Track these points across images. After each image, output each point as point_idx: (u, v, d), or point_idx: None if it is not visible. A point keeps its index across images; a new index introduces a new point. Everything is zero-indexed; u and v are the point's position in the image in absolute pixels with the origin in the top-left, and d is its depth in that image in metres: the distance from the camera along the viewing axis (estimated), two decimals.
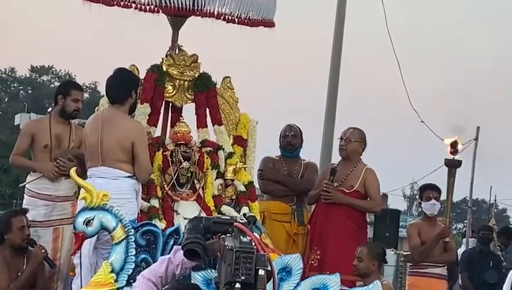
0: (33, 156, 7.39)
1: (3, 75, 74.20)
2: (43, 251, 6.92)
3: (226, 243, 3.53)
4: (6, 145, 43.75)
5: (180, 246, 3.92)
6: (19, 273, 6.86)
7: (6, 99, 73.64)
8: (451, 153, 7.85)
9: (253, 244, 3.46)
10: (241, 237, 3.49)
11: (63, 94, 7.40)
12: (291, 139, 8.59)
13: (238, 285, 3.36)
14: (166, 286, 3.88)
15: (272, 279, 3.46)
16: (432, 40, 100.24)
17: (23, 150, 7.41)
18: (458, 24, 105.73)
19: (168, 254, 4.01)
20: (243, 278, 3.38)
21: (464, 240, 18.07)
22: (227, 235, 3.64)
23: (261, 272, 3.38)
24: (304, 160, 8.74)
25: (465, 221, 27.73)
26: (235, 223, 3.62)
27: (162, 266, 3.88)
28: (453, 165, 7.88)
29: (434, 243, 8.30)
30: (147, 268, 4.03)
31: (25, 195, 7.37)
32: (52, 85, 65.70)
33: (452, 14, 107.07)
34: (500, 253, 12.69)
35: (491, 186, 40.02)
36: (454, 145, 7.84)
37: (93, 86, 61.86)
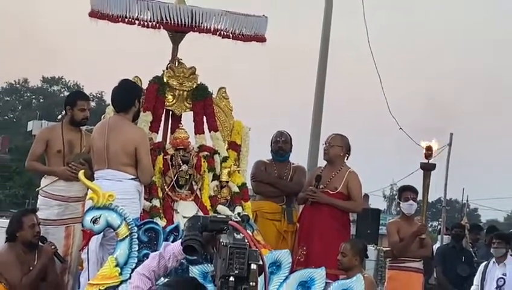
0: (47, 161, 7.41)
1: (17, 85, 74.16)
2: (52, 247, 6.92)
3: (221, 240, 3.53)
4: (20, 149, 43.78)
5: (168, 243, 3.92)
6: (31, 268, 6.85)
7: (19, 108, 73.50)
8: (426, 157, 7.87)
9: (246, 240, 3.46)
10: (235, 234, 3.48)
11: (71, 105, 7.44)
12: (282, 144, 8.60)
13: (232, 278, 3.36)
14: (163, 279, 3.86)
15: (263, 273, 3.45)
16: (410, 53, 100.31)
17: (38, 155, 7.43)
18: (434, 36, 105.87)
19: (159, 250, 4.00)
20: (236, 271, 3.37)
21: (439, 236, 18.14)
22: (223, 232, 3.64)
23: (253, 266, 3.37)
24: (293, 164, 8.75)
25: (440, 219, 27.75)
26: (229, 222, 3.61)
27: (154, 261, 3.87)
28: (428, 168, 7.91)
29: (411, 240, 8.31)
30: (141, 265, 4.01)
31: (39, 196, 7.39)
32: (62, 94, 65.59)
33: (429, 27, 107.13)
34: (471, 249, 12.71)
35: (463, 188, 40.12)
36: (429, 149, 7.87)
37: (99, 96, 61.70)
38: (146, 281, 3.69)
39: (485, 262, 10.74)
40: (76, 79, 71.50)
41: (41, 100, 73.04)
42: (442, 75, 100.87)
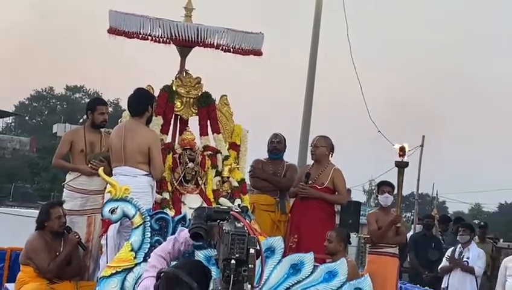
0: (71, 159, 7.42)
1: (44, 93, 74.23)
2: (76, 236, 6.93)
3: (223, 228, 3.54)
4: (46, 149, 43.71)
5: (183, 228, 3.92)
6: (57, 254, 6.85)
7: (46, 112, 73.49)
8: (400, 156, 7.89)
9: (246, 228, 3.47)
10: (236, 223, 3.49)
11: (91, 110, 7.48)
12: (276, 144, 8.63)
13: (233, 261, 3.37)
14: (174, 262, 3.87)
15: (260, 256, 3.46)
16: (389, 64, 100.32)
17: (63, 154, 7.45)
18: (409, 44, 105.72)
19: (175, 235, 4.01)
20: (237, 255, 3.38)
21: (412, 226, 18.15)
22: (225, 221, 3.64)
23: (252, 250, 3.38)
24: (286, 162, 8.77)
25: (413, 211, 27.77)
26: (231, 212, 3.62)
27: (170, 244, 3.88)
28: (401, 166, 7.92)
29: (388, 228, 8.32)
30: (158, 246, 4.02)
31: (64, 189, 7.41)
32: (83, 101, 65.55)
33: (404, 37, 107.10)
34: (440, 237, 12.74)
35: (433, 183, 40.13)
36: (402, 149, 7.89)
37: (116, 102, 61.60)
38: (162, 261, 3.70)
39: (452, 247, 10.79)
40: (96, 87, 71.57)
41: (65, 106, 72.94)
42: (417, 83, 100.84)
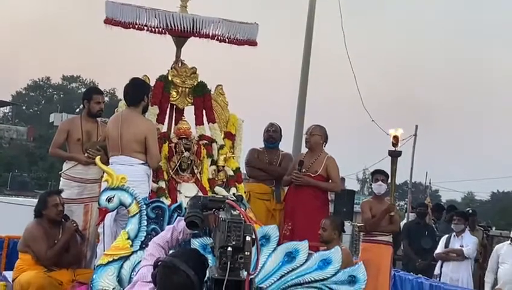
0: (68, 148, 7.41)
1: (41, 82, 73.97)
2: (74, 224, 6.93)
3: (220, 216, 3.54)
4: (43, 138, 43.66)
5: (181, 218, 3.92)
6: (55, 241, 6.85)
7: (43, 102, 73.30)
8: (393, 145, 7.89)
9: (241, 216, 3.48)
10: (232, 211, 3.50)
11: (87, 99, 7.46)
12: (272, 134, 8.64)
13: (229, 248, 3.37)
14: (172, 251, 3.87)
15: (255, 244, 3.47)
16: (381, 54, 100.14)
17: (60, 143, 7.44)
18: (402, 37, 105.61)
19: (172, 224, 4.01)
20: (233, 243, 3.39)
21: (405, 214, 18.20)
22: (220, 210, 3.65)
23: (248, 238, 3.39)
24: (282, 151, 8.79)
25: (406, 199, 27.82)
26: (227, 200, 3.63)
27: (168, 233, 3.88)
28: (395, 155, 7.92)
29: (382, 217, 8.33)
30: (157, 235, 4.02)
31: (61, 178, 7.39)
32: (80, 91, 65.38)
33: (397, 28, 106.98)
34: (433, 225, 12.77)
35: (426, 172, 40.13)
36: (395, 139, 7.89)
37: (112, 92, 61.41)
38: (160, 250, 3.71)
39: (447, 235, 10.82)
40: (92, 77, 71.42)
41: (61, 95, 72.77)
42: (410, 74, 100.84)
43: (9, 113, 69.90)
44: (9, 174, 43.02)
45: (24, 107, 72.80)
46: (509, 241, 10.35)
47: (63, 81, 73.73)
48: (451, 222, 11.02)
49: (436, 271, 10.81)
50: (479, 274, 11.56)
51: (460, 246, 10.57)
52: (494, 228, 18.35)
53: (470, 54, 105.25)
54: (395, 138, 7.86)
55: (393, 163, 7.97)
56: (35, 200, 7.78)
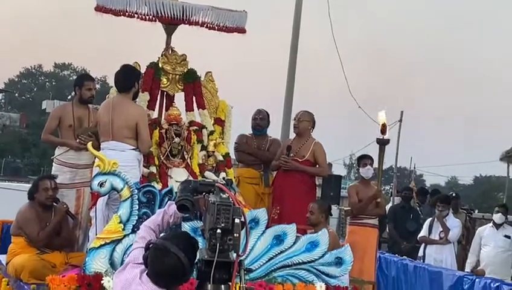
0: (60, 134, 7.39)
1: (33, 70, 73.70)
2: (64, 206, 6.92)
3: (209, 199, 3.55)
4: (35, 124, 43.47)
5: (172, 202, 3.92)
6: (47, 224, 6.85)
7: (35, 89, 73.02)
8: (381, 133, 7.90)
9: (231, 199, 3.48)
10: (221, 194, 3.50)
11: (79, 85, 7.44)
12: (259, 122, 8.64)
13: (219, 230, 3.39)
14: (163, 234, 3.87)
15: (244, 227, 3.48)
16: (368, 47, 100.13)
17: (52, 129, 7.42)
18: (388, 27, 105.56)
19: (163, 208, 4.01)
20: (222, 225, 3.40)
21: (391, 198, 18.24)
22: (210, 193, 3.65)
23: (237, 220, 3.40)
24: (270, 137, 8.80)
25: (391, 184, 27.91)
26: (216, 184, 3.64)
27: (159, 217, 3.88)
28: (382, 143, 7.92)
29: (368, 202, 8.37)
30: (148, 219, 4.03)
31: (53, 164, 7.37)
32: (71, 78, 65.09)
33: (383, 18, 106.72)
34: (418, 208, 12.83)
35: (411, 157, 40.39)
36: (383, 127, 7.90)
37: (103, 79, 61.12)
38: (151, 233, 3.72)
39: (430, 218, 10.87)
40: (83, 65, 71.18)
41: (53, 83, 72.51)
42: (396, 62, 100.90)
43: (2, 100, 69.58)
44: (3, 160, 42.92)
45: (17, 94, 72.47)
46: (491, 224, 10.43)
47: (54, 69, 73.46)
48: (435, 206, 11.07)
49: (420, 253, 10.87)
50: (462, 255, 11.64)
51: None
52: (476, 211, 18.45)
53: (457, 41, 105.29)
54: (383, 126, 7.87)
55: (381, 150, 7.98)
56: (28, 185, 7.77)
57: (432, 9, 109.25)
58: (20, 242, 6.82)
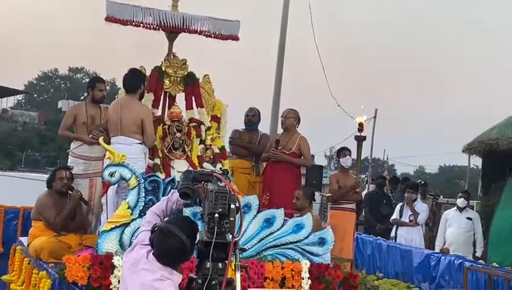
0: (75, 130, 7.36)
1: (50, 74, 73.44)
2: (78, 193, 6.90)
3: (208, 187, 3.54)
4: (52, 122, 43.29)
5: (175, 190, 3.91)
6: (63, 210, 6.83)
7: (52, 90, 72.68)
8: (359, 130, 7.90)
9: (227, 187, 3.48)
10: (219, 183, 3.50)
11: (91, 87, 7.42)
12: (251, 118, 8.62)
13: (216, 215, 3.38)
14: (167, 218, 3.86)
15: (239, 212, 3.47)
16: (347, 52, 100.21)
17: (68, 126, 7.39)
18: (364, 31, 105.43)
19: (167, 195, 4.00)
20: (220, 210, 3.39)
21: (366, 185, 18.28)
22: (209, 182, 3.64)
23: (232, 206, 3.40)
24: (260, 132, 8.78)
25: (367, 173, 28.02)
26: (214, 173, 3.63)
27: (163, 204, 3.87)
28: (360, 139, 7.95)
29: (348, 191, 8.38)
30: (153, 205, 4.01)
31: (69, 156, 7.35)
32: (84, 80, 64.87)
33: (361, 23, 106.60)
34: (390, 194, 12.86)
35: (384, 149, 40.62)
36: (361, 125, 7.91)
37: (112, 81, 60.86)
38: (156, 218, 3.70)
39: (401, 203, 10.90)
40: (95, 68, 70.96)
41: (68, 85, 72.19)
42: (372, 63, 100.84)
43: (23, 101, 69.23)
44: (23, 154, 42.75)
45: (35, 95, 72.14)
46: (455, 208, 10.48)
47: (69, 72, 73.21)
48: (405, 192, 11.10)
49: (392, 234, 10.91)
50: (429, 235, 11.69)
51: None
52: (441, 197, 18.50)
53: (420, 45, 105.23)
54: (361, 124, 7.88)
55: (359, 146, 7.99)
56: (46, 176, 7.74)
57: (405, 13, 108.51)
58: (39, 226, 6.79)
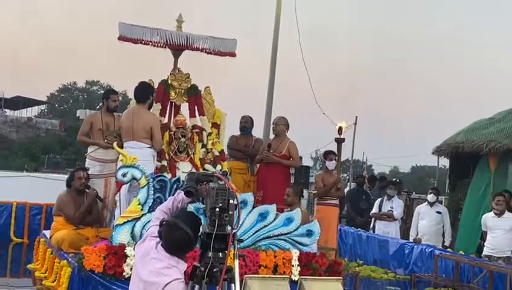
0: (91, 136, 7.34)
1: (69, 86, 73.40)
2: (94, 191, 6.89)
3: (210, 185, 3.54)
4: (71, 129, 43.22)
5: (180, 190, 3.91)
6: (81, 206, 6.81)
7: (71, 101, 72.61)
8: (338, 133, 7.91)
9: (226, 185, 3.48)
10: (219, 182, 3.50)
11: (106, 98, 7.42)
12: (244, 124, 8.64)
13: (217, 209, 3.38)
14: (174, 214, 3.85)
15: (237, 207, 3.47)
16: (331, 59, 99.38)
17: (85, 132, 7.38)
18: (347, 38, 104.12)
19: (173, 194, 3.99)
20: (220, 204, 3.39)
21: (348, 183, 18.31)
22: (210, 182, 3.64)
23: (231, 201, 3.40)
24: (254, 136, 8.78)
25: (348, 172, 28.05)
26: (215, 174, 3.62)
27: (170, 202, 3.85)
28: (339, 141, 7.92)
29: (331, 187, 8.37)
30: (161, 204, 4.00)
31: (86, 159, 7.34)
32: (99, 92, 64.79)
33: (344, 28, 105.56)
34: (369, 191, 12.86)
35: (363, 152, 40.65)
36: (340, 129, 7.91)
37: (124, 92, 60.74)
38: (164, 214, 3.69)
39: (380, 199, 10.92)
40: (108, 81, 70.92)
41: (85, 96, 72.14)
42: (354, 74, 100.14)
43: (45, 110, 69.16)
44: (46, 157, 42.68)
45: (56, 105, 72.08)
46: (426, 203, 10.49)
47: (86, 85, 73.15)
48: (382, 189, 11.10)
49: (371, 226, 10.91)
50: (404, 227, 11.70)
51: (391, 207, 10.66)
52: (414, 193, 18.53)
53: (393, 56, 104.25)
54: (340, 128, 7.89)
55: (339, 147, 8.00)
56: (66, 176, 7.73)
57: (390, 23, 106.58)
58: (60, 220, 6.78)
